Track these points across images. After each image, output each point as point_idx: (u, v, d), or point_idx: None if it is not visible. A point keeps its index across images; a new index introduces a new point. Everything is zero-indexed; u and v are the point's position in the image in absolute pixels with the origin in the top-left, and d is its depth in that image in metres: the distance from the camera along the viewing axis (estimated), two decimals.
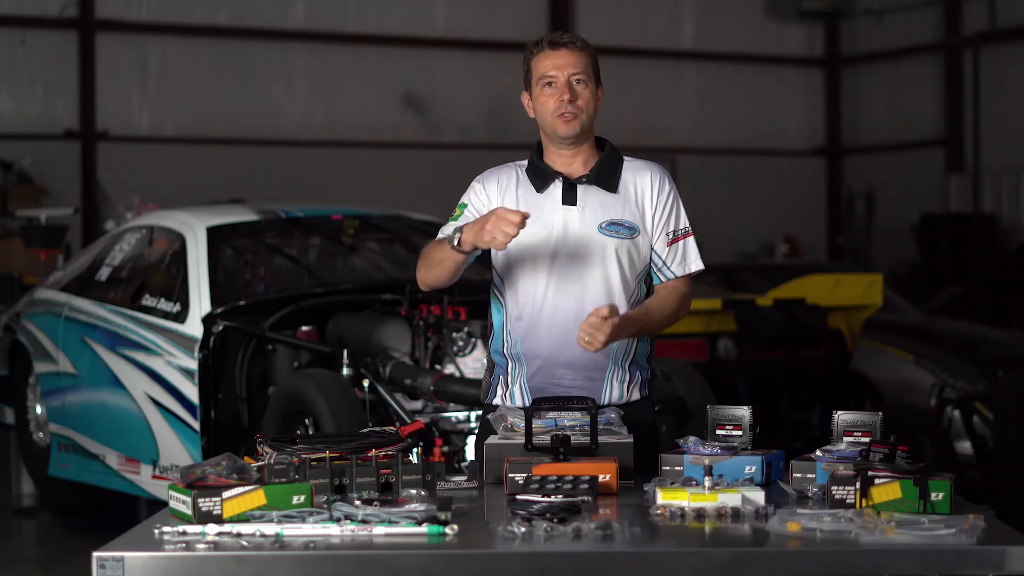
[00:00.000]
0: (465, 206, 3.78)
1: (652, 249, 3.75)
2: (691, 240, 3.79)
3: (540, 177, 3.75)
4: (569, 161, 3.75)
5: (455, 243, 3.55)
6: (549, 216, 3.71)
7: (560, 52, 3.71)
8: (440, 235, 3.76)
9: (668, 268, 3.76)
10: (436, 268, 3.68)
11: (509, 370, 3.78)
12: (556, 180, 3.73)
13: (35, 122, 14.62)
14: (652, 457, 3.46)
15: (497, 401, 3.80)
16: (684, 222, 3.79)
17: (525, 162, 3.81)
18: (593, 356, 3.69)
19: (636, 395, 3.78)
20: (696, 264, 3.79)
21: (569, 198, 3.71)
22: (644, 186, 3.75)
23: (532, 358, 3.73)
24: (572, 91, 3.68)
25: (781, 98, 18.39)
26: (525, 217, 3.44)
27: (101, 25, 14.76)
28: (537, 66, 3.73)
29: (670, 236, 3.75)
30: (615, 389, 3.74)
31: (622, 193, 3.73)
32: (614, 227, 3.70)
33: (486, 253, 3.74)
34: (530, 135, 3.88)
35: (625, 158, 3.79)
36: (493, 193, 3.76)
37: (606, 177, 3.74)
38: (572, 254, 3.69)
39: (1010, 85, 16.33)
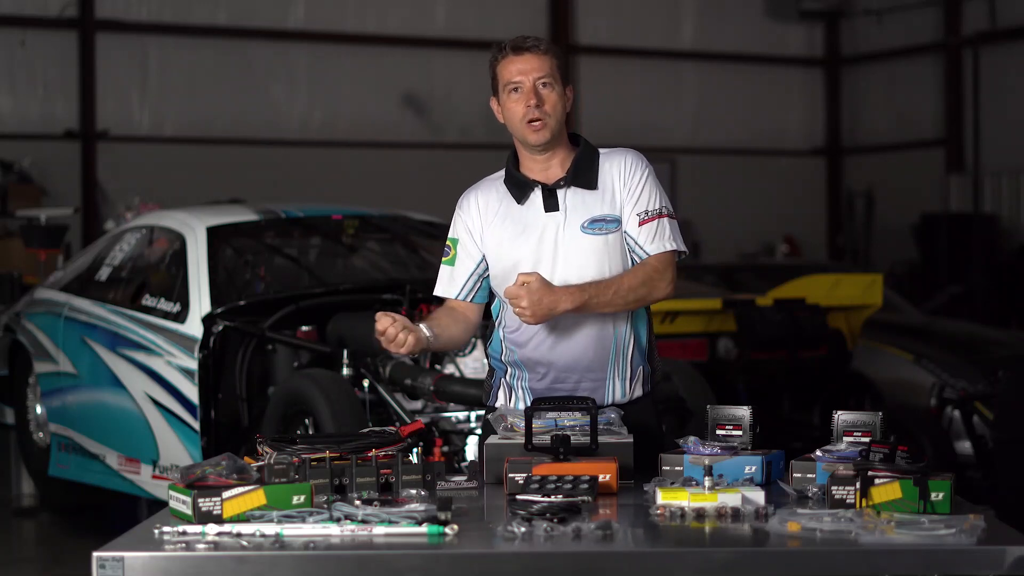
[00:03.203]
0: (457, 242, 3.79)
1: (625, 232, 3.69)
2: (667, 221, 3.70)
3: (519, 188, 3.73)
4: (545, 165, 3.73)
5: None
6: (534, 226, 3.70)
7: (524, 57, 3.69)
8: (440, 285, 3.85)
9: (641, 248, 3.69)
10: (440, 350, 3.81)
11: (509, 376, 3.79)
12: (535, 189, 3.72)
13: (35, 122, 14.61)
14: (654, 456, 3.46)
15: (500, 404, 3.80)
16: (659, 203, 3.70)
17: (502, 173, 3.79)
18: (593, 356, 3.70)
19: (639, 392, 3.78)
20: (671, 243, 3.69)
21: (551, 204, 3.70)
22: (616, 172, 3.71)
23: (533, 366, 3.74)
24: (538, 96, 3.67)
25: (781, 98, 18.39)
26: (393, 321, 3.55)
27: (101, 25, 14.76)
28: (503, 72, 3.72)
29: (641, 216, 3.68)
30: (617, 387, 3.74)
31: (601, 188, 3.71)
32: (596, 224, 3.68)
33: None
34: None
35: (600, 151, 3.76)
36: (475, 215, 3.76)
37: (584, 175, 3.71)
38: (562, 259, 3.67)
39: (1010, 85, 16.32)
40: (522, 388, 3.76)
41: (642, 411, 3.75)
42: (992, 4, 16.59)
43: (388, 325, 3.55)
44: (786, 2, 17.88)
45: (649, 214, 3.70)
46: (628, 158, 3.74)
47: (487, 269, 3.78)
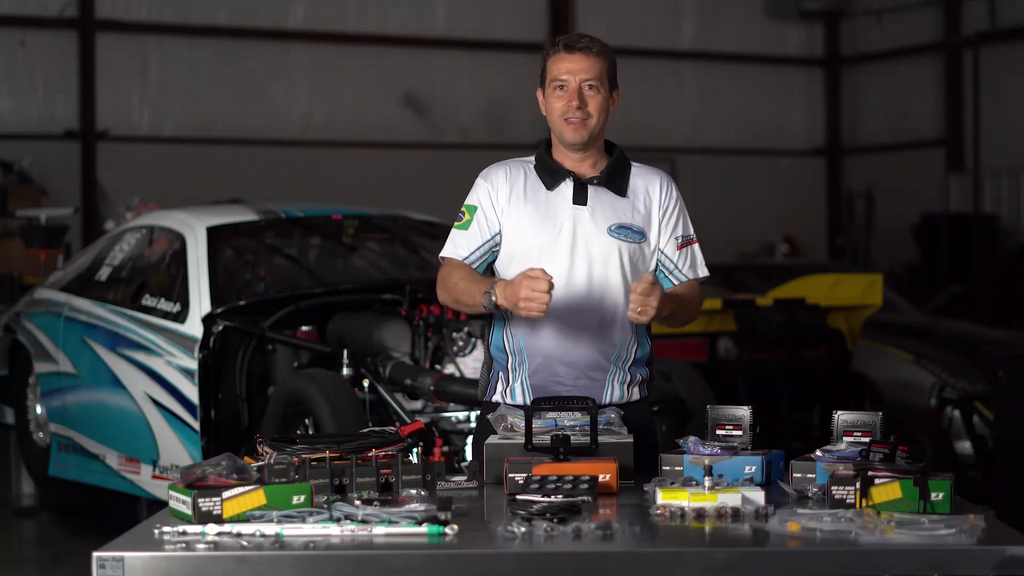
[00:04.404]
0: (475, 208, 3.74)
1: (661, 252, 3.75)
2: (698, 247, 3.82)
3: (550, 174, 3.74)
4: (578, 163, 3.75)
5: (492, 302, 3.55)
6: (558, 215, 3.71)
7: (575, 56, 3.69)
8: (448, 246, 3.76)
9: (679, 271, 3.77)
10: (464, 306, 3.70)
11: (509, 366, 3.77)
12: (567, 179, 3.73)
13: (35, 122, 14.61)
14: (650, 458, 3.46)
15: (497, 398, 3.78)
16: (691, 229, 3.81)
17: (531, 158, 3.80)
18: (595, 356, 3.71)
19: (636, 396, 3.79)
20: (703, 270, 3.82)
21: (580, 198, 3.71)
22: (652, 192, 3.76)
23: (534, 355, 3.73)
24: (581, 98, 3.67)
25: (781, 98, 18.38)
26: (551, 280, 3.43)
27: (101, 25, 14.75)
28: (552, 67, 3.72)
29: (679, 240, 3.77)
30: (616, 390, 3.74)
31: (631, 197, 3.74)
32: (623, 230, 3.71)
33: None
34: (529, 135, 3.88)
35: (633, 164, 3.79)
36: (502, 189, 3.74)
37: (616, 180, 3.74)
38: (580, 254, 3.69)
39: (1010, 85, 16.31)
40: (520, 380, 3.75)
41: (637, 414, 3.75)
42: (992, 4, 16.59)
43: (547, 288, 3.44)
44: (786, 2, 17.87)
45: (685, 239, 3.79)
46: (665, 180, 3.79)
47: (498, 244, 3.76)
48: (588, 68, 3.68)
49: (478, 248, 3.74)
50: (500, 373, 3.79)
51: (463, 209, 3.77)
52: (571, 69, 3.68)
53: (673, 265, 3.76)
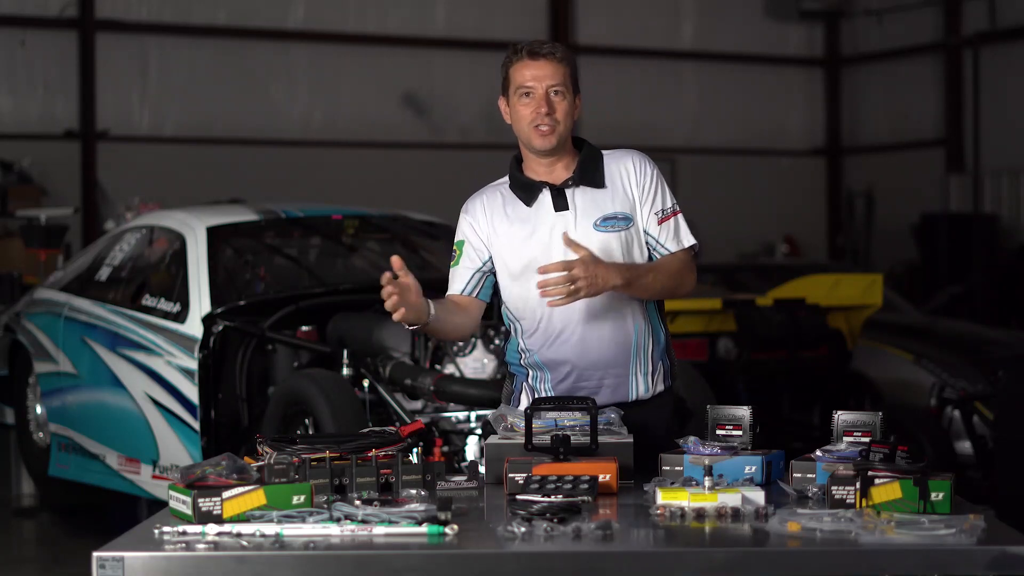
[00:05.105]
0: (463, 243, 3.80)
1: (645, 231, 3.74)
2: (680, 217, 3.79)
3: (526, 190, 3.75)
4: (550, 168, 3.75)
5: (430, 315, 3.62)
6: (544, 226, 3.71)
7: (539, 63, 3.69)
8: (449, 285, 3.83)
9: (663, 246, 3.75)
10: (445, 333, 3.81)
11: (531, 379, 3.80)
12: (543, 189, 3.73)
13: (35, 122, 14.61)
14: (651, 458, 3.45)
15: (523, 407, 3.80)
16: (670, 201, 3.78)
17: (505, 179, 3.81)
18: (616, 353, 3.72)
19: (661, 387, 3.81)
20: (688, 239, 3.78)
21: (560, 204, 3.72)
22: (626, 173, 3.75)
23: (556, 366, 3.75)
24: (550, 103, 3.67)
25: (781, 98, 18.38)
26: (393, 278, 3.49)
27: (101, 25, 14.76)
28: (515, 75, 3.71)
29: (659, 215, 3.75)
30: (640, 382, 3.76)
31: (609, 186, 3.74)
32: (609, 222, 3.71)
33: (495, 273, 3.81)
34: None
35: (604, 152, 3.79)
36: (482, 218, 3.77)
37: (590, 175, 3.74)
38: (574, 258, 3.68)
39: (1010, 85, 16.32)
40: (545, 390, 3.77)
41: (664, 407, 3.79)
42: (992, 4, 16.59)
43: (392, 292, 3.51)
44: (786, 2, 17.87)
45: (665, 212, 3.76)
46: (636, 158, 3.77)
47: (491, 268, 3.79)
48: (553, 74, 3.68)
49: (470, 279, 3.80)
50: (524, 384, 3.82)
51: (454, 247, 3.84)
52: (536, 76, 3.68)
53: (656, 241, 3.75)
